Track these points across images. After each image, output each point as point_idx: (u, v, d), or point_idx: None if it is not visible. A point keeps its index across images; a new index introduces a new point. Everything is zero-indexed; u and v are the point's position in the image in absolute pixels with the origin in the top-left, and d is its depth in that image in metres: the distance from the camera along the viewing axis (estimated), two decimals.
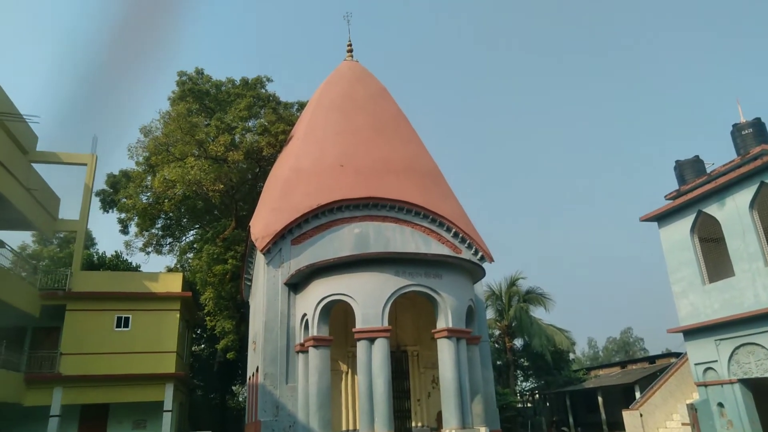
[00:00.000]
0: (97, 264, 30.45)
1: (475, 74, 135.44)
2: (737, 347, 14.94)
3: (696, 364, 16.18)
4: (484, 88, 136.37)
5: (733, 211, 15.20)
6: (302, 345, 15.71)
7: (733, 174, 15.05)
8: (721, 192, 15.56)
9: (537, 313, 30.90)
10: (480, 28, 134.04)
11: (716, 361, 15.48)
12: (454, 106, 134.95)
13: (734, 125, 20.06)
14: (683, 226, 16.78)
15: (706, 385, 15.84)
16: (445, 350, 14.68)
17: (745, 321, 14.52)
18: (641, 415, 17.43)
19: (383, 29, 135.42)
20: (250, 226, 19.86)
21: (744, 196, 14.92)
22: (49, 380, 21.82)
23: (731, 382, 15.04)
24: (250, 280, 22.56)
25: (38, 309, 22.40)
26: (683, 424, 15.89)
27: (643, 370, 26.38)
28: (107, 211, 28.00)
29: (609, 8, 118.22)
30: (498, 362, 31.75)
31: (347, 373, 17.26)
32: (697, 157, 21.49)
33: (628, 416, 17.86)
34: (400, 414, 16.90)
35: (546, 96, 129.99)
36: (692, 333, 16.25)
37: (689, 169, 20.73)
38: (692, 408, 15.53)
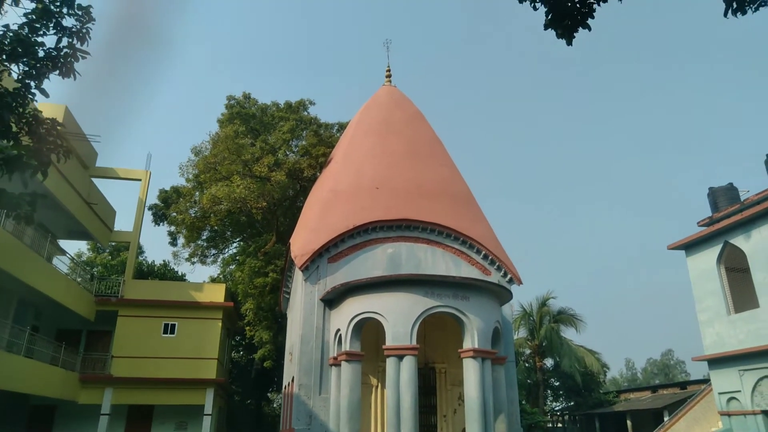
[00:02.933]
0: (146, 272, 32.34)
1: (508, 95, 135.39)
2: (761, 378, 15.11)
3: (720, 393, 16.38)
4: (516, 109, 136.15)
5: (759, 243, 15.44)
6: (335, 359, 16.65)
7: (759, 207, 15.32)
8: (747, 224, 15.82)
9: (568, 333, 31.10)
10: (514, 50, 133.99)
11: (740, 391, 15.67)
12: (488, 127, 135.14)
13: (767, 155, 20.14)
14: (710, 255, 17.05)
15: (729, 415, 16.02)
16: (471, 370, 15.35)
17: None
18: None
19: (422, 52, 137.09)
20: (290, 243, 21.03)
21: None
22: (101, 381, 23.47)
23: (754, 413, 15.20)
24: (289, 293, 23.71)
25: (93, 314, 24.19)
26: None
27: (673, 396, 26.25)
28: (158, 224, 29.88)
29: (648, 33, 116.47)
30: (528, 381, 32.01)
31: (377, 387, 18.11)
32: (731, 184, 21.57)
33: None
34: (426, 429, 17.61)
35: (585, 119, 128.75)
36: (717, 362, 16.46)
37: (723, 196, 20.83)
38: None
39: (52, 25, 6.85)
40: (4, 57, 6.77)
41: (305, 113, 27.91)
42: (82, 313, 23.10)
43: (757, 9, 6.39)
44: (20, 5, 6.65)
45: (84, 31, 6.85)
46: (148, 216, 29.44)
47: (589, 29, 5.82)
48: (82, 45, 6.94)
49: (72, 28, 6.86)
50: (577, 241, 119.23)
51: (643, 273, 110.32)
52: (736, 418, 15.83)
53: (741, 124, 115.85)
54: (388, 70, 25.63)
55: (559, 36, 5.82)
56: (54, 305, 21.64)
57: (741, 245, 16.00)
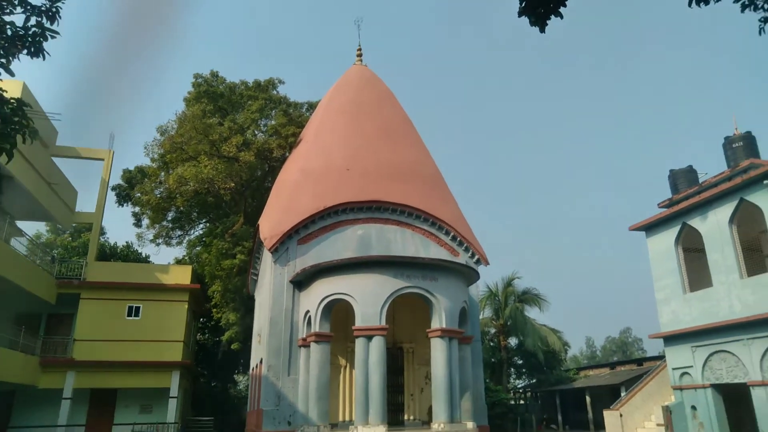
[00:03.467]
0: (108, 254, 31.61)
1: (477, 79, 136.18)
2: (711, 354, 15.91)
3: (673, 369, 17.19)
4: (485, 91, 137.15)
5: (714, 225, 16.12)
6: (304, 340, 16.76)
7: (716, 190, 15.97)
8: (704, 206, 16.47)
9: (532, 313, 31.96)
10: (490, 36, 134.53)
11: (692, 366, 16.47)
12: (457, 108, 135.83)
13: (726, 138, 20.87)
14: (668, 237, 17.72)
15: (681, 389, 16.85)
16: (438, 349, 15.68)
17: (719, 330, 15.49)
18: (621, 416, 18.44)
19: (394, 33, 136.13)
20: (258, 225, 20.89)
21: (725, 212, 15.83)
22: (63, 364, 22.99)
23: (704, 387, 16.03)
24: (257, 275, 23.61)
25: (54, 296, 23.58)
26: (658, 424, 16.87)
27: (630, 372, 27.39)
28: (122, 205, 29.18)
29: (615, 22, 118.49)
30: (492, 360, 32.83)
31: (345, 367, 18.34)
32: (691, 167, 22.35)
33: (609, 416, 18.88)
34: (394, 407, 17.95)
35: (550, 101, 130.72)
36: (672, 339, 17.24)
37: (682, 178, 21.58)
38: (667, 410, 16.54)
39: (18, 2, 6.59)
40: None
41: (274, 92, 27.50)
42: (42, 296, 22.48)
43: (718, 0, 6.64)
44: None
45: (54, 9, 6.60)
46: (111, 196, 28.72)
47: (561, 17, 5.95)
48: (51, 24, 6.70)
49: (41, 6, 6.61)
50: (542, 222, 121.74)
51: (605, 253, 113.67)
52: (688, 392, 16.64)
53: (706, 108, 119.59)
54: (359, 50, 25.47)
55: (532, 23, 5.94)
56: (12, 288, 20.92)
57: (698, 227, 16.67)
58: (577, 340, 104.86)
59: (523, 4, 5.92)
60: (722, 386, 15.87)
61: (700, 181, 20.48)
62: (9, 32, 7.16)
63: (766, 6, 7.20)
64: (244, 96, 26.82)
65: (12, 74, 8.47)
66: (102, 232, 35.35)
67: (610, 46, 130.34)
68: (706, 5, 6.62)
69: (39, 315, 24.68)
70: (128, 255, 32.82)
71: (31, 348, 22.44)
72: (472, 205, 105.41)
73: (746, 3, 7.31)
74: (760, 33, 7.27)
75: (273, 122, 26.19)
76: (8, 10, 7.18)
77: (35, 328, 23.98)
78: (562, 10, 6.01)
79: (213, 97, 25.94)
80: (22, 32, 7.15)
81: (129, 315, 24.33)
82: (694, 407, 16.42)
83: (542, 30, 6.10)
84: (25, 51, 7.33)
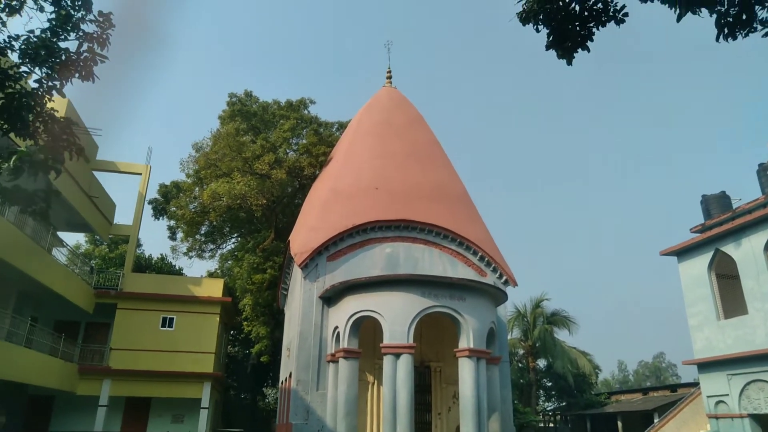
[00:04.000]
0: (144, 266, 32.56)
1: (508, 99, 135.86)
2: (748, 383, 15.51)
3: (708, 396, 16.78)
4: (515, 113, 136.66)
5: (748, 252, 15.82)
6: (333, 355, 16.97)
7: (750, 216, 15.70)
8: (737, 233, 16.20)
9: (561, 335, 31.52)
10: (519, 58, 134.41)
11: (728, 395, 16.07)
12: (488, 129, 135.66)
13: (760, 165, 20.52)
14: (701, 262, 17.43)
15: (717, 418, 16.43)
16: (466, 369, 15.70)
17: (756, 358, 15.11)
18: None
19: (423, 53, 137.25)
20: (289, 241, 21.32)
21: (759, 238, 15.54)
22: (100, 372, 23.71)
23: (741, 417, 15.60)
24: (287, 290, 24.01)
25: (93, 306, 24.42)
26: None
27: (663, 398, 26.70)
28: (158, 218, 30.11)
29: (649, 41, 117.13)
30: (521, 381, 32.44)
31: (373, 383, 18.45)
32: (724, 192, 21.97)
33: None
34: (421, 426, 17.96)
35: (582, 122, 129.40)
36: (706, 366, 16.86)
37: (715, 204, 21.24)
38: None
39: (72, 29, 7.11)
40: (27, 60, 7.03)
41: (306, 112, 28.19)
42: (81, 305, 23.32)
43: (746, 35, 6.71)
44: (44, 12, 6.91)
45: (104, 36, 7.11)
46: (147, 210, 29.68)
47: (588, 51, 6.13)
48: (101, 50, 7.20)
49: (93, 33, 7.12)
50: (575, 245, 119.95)
51: (639, 277, 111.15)
52: (724, 421, 16.23)
53: (740, 133, 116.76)
54: (389, 72, 25.93)
55: (559, 57, 6.13)
56: (53, 296, 21.83)
57: (731, 253, 16.38)
58: (608, 364, 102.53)
59: (551, 39, 6.11)
60: (761, 417, 15.44)
61: (734, 206, 20.12)
62: (63, 57, 7.68)
63: None
64: (277, 115, 27.54)
65: (63, 96, 9.05)
66: (138, 244, 36.49)
67: (645, 64, 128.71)
68: (734, 40, 6.68)
69: (78, 323, 25.56)
70: (162, 267, 33.74)
71: (70, 355, 23.23)
72: (500, 226, 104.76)
73: None
74: None
75: (304, 141, 26.85)
76: (63, 36, 7.71)
77: (74, 336, 24.83)
78: (589, 44, 6.18)
79: (246, 115, 26.71)
80: (74, 57, 7.66)
81: (163, 326, 24.97)
82: None
83: (569, 63, 6.28)
84: (77, 75, 7.83)
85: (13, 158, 6.17)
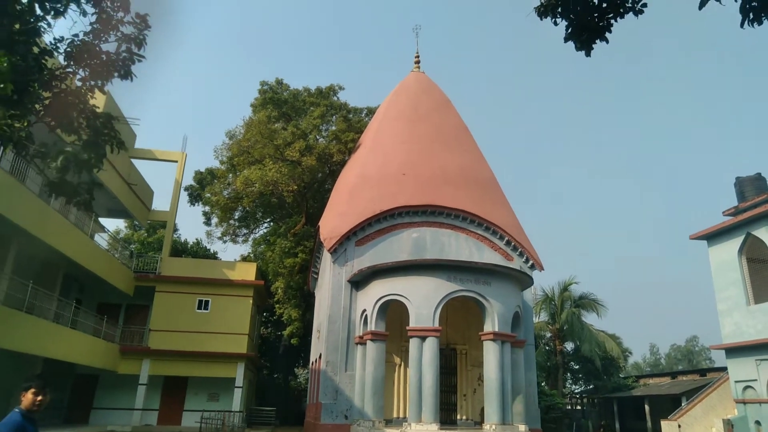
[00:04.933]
0: (180, 250, 33.65)
1: (540, 81, 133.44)
2: None
3: (736, 381, 16.73)
4: (547, 95, 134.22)
5: None
6: (361, 338, 17.48)
7: None
8: None
9: (589, 318, 31.45)
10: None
11: (756, 380, 15.99)
12: (517, 113, 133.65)
13: None
14: (732, 246, 17.25)
15: (744, 403, 16.39)
16: (491, 352, 16.01)
17: None
18: (679, 426, 18.08)
19: (452, 38, 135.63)
20: (319, 226, 21.83)
21: None
22: (140, 353, 24.80)
23: None
24: (317, 274, 24.60)
25: (132, 289, 25.48)
26: None
27: (692, 382, 26.51)
28: (193, 205, 31.07)
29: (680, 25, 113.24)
30: (548, 364, 32.55)
31: (400, 365, 18.93)
32: (759, 174, 21.52)
33: (667, 426, 18.54)
34: (447, 407, 18.39)
35: (618, 110, 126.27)
36: (734, 351, 16.78)
37: (749, 186, 20.84)
38: (729, 423, 16.15)
39: (111, 31, 7.57)
40: (72, 62, 7.53)
41: (335, 98, 28.55)
42: (122, 288, 24.38)
43: None
44: (87, 15, 7.37)
45: (141, 37, 7.55)
46: (183, 196, 30.61)
47: (607, 42, 6.26)
48: (138, 50, 7.65)
49: (131, 34, 7.58)
50: (608, 226, 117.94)
51: (673, 259, 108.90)
52: (751, 406, 16.19)
53: None
54: (417, 56, 25.99)
55: (578, 48, 6.28)
56: (96, 280, 22.88)
57: (763, 237, 16.17)
58: (640, 347, 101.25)
59: (569, 30, 6.26)
60: None
61: None
62: (104, 58, 8.17)
63: None
64: (307, 102, 27.98)
65: (104, 93, 9.57)
66: (174, 229, 37.69)
67: (679, 46, 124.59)
68: (759, 25, 6.70)
69: (119, 306, 26.69)
70: (197, 251, 34.82)
71: (111, 336, 24.35)
72: (529, 209, 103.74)
73: None
74: None
75: (333, 128, 27.27)
76: (104, 38, 8.18)
77: (115, 318, 25.98)
78: (608, 34, 6.31)
79: (277, 103, 27.21)
80: (114, 57, 8.14)
81: (199, 308, 25.89)
82: (758, 422, 15.95)
83: (588, 54, 6.41)
84: (116, 74, 8.32)
85: (60, 158, 6.68)
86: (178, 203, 28.04)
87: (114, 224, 35.76)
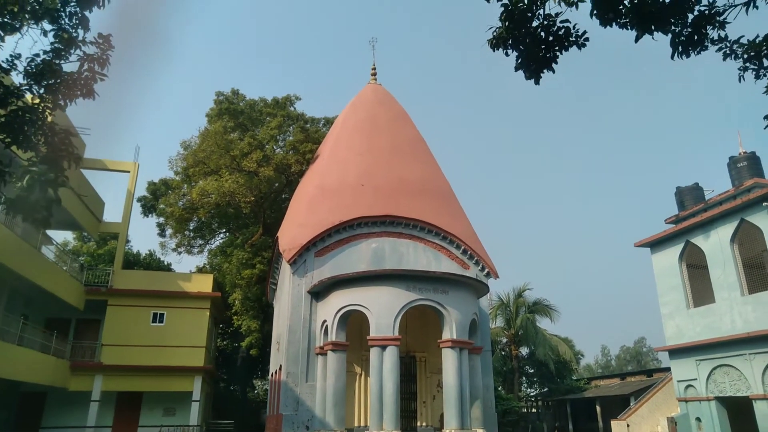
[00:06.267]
0: (132, 262, 32.82)
1: (487, 94, 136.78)
2: (715, 368, 16.44)
3: (678, 381, 17.71)
4: (495, 107, 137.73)
5: (716, 243, 16.68)
6: (321, 348, 17.58)
7: (717, 210, 16.54)
8: (706, 225, 17.04)
9: (543, 323, 32.48)
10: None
11: (696, 379, 16.99)
12: (470, 124, 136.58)
13: (731, 158, 21.40)
14: (672, 253, 18.29)
15: (686, 401, 17.36)
16: (449, 359, 16.41)
17: (722, 345, 16.02)
18: (628, 426, 18.98)
19: (407, 49, 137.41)
20: (277, 237, 21.82)
21: (726, 231, 16.39)
22: (91, 368, 24.09)
23: (708, 399, 16.54)
24: (276, 285, 24.52)
25: (83, 303, 24.74)
26: None
27: (640, 383, 27.76)
28: (147, 216, 30.40)
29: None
30: (504, 368, 33.38)
31: (361, 375, 19.12)
32: (697, 184, 22.84)
33: (616, 426, 19.42)
34: (407, 414, 18.68)
35: (560, 120, 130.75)
36: (676, 352, 17.77)
37: (688, 195, 22.10)
38: (672, 421, 17.08)
39: (74, 50, 7.55)
40: (31, 80, 7.47)
41: (292, 109, 28.59)
42: (71, 302, 23.63)
43: (698, 53, 7.36)
44: (47, 35, 7.33)
45: (104, 57, 7.55)
46: (136, 207, 29.93)
47: (553, 71, 6.74)
48: (102, 70, 7.65)
49: (93, 54, 7.57)
50: (563, 237, 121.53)
51: (623, 264, 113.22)
52: (693, 404, 17.16)
53: (721, 125, 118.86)
54: (374, 69, 26.35)
55: (527, 78, 6.73)
56: (44, 294, 22.12)
57: (701, 244, 17.22)
58: (592, 349, 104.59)
59: (519, 61, 6.70)
60: (726, 399, 16.37)
61: (706, 198, 20.97)
62: (65, 77, 8.12)
63: (745, 56, 7.89)
64: (264, 113, 27.94)
65: (63, 110, 9.47)
66: (126, 241, 36.72)
67: (628, 60, 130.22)
68: (687, 57, 7.33)
69: (68, 320, 25.85)
70: (151, 263, 34.04)
71: (61, 352, 23.56)
72: (484, 218, 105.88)
73: (728, 52, 8.02)
74: (740, 80, 7.96)
75: (291, 138, 27.30)
76: (65, 58, 8.14)
77: (65, 332, 25.13)
78: (554, 65, 6.79)
79: (234, 113, 27.05)
80: (76, 76, 8.10)
81: (154, 321, 25.38)
82: (698, 419, 16.92)
83: (537, 83, 6.88)
84: (78, 93, 8.27)
85: (26, 178, 6.64)
86: (130, 214, 27.44)
87: (62, 236, 34.50)
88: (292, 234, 19.99)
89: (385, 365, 15.92)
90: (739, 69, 7.97)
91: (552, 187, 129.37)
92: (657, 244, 18.82)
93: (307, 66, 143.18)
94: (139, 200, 29.86)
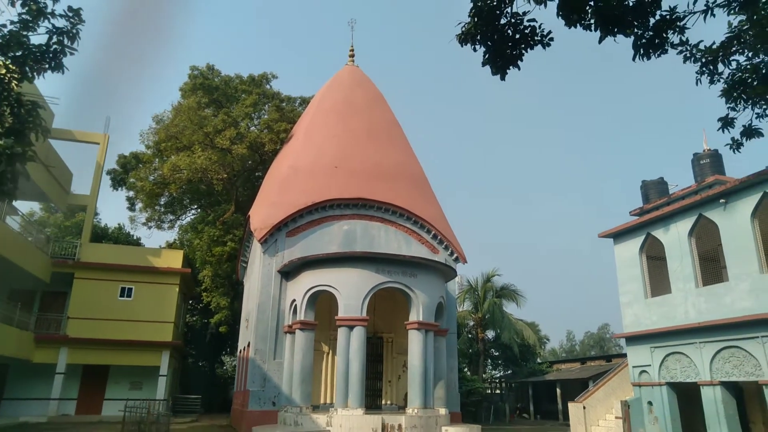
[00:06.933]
0: (100, 235, 32.38)
1: (462, 84, 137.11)
2: (667, 355, 17.15)
3: (633, 367, 18.43)
4: (469, 97, 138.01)
5: (675, 237, 17.29)
6: (290, 327, 17.81)
7: (677, 205, 17.12)
8: (667, 219, 17.61)
9: (509, 308, 33.25)
10: None
11: (650, 365, 17.72)
12: (445, 112, 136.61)
13: (695, 154, 22.08)
14: (634, 245, 18.87)
15: (640, 386, 18.11)
16: (415, 340, 16.81)
17: (676, 333, 16.70)
18: (584, 408, 19.71)
19: (386, 32, 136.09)
20: (249, 216, 21.83)
21: (685, 224, 16.98)
22: (56, 341, 23.90)
23: (660, 385, 17.28)
24: (246, 263, 24.58)
25: (49, 275, 24.39)
26: (617, 417, 18.10)
27: (599, 367, 28.76)
28: (117, 189, 29.95)
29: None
30: (470, 351, 34.15)
31: (328, 353, 19.45)
32: (662, 178, 23.54)
33: (573, 408, 20.15)
34: (372, 393, 19.14)
35: (533, 110, 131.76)
36: (633, 339, 18.47)
37: (653, 189, 22.79)
38: (626, 404, 17.82)
39: (44, 24, 7.47)
40: None
41: (268, 87, 28.33)
42: (37, 274, 23.29)
43: (659, 56, 7.66)
44: (16, 7, 7.23)
45: (74, 31, 7.49)
46: (105, 180, 29.46)
47: (519, 68, 6.95)
48: (72, 44, 7.58)
49: (63, 28, 7.49)
50: (534, 225, 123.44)
51: (593, 252, 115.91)
52: (645, 389, 17.92)
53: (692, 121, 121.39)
54: (352, 50, 26.26)
55: (494, 73, 6.93)
56: (8, 265, 21.71)
57: (660, 237, 17.81)
58: (558, 334, 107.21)
59: (486, 57, 6.90)
60: (676, 384, 17.11)
61: (670, 192, 21.67)
62: (34, 50, 8.03)
63: (703, 59, 8.24)
64: (239, 90, 27.64)
65: (31, 82, 9.34)
66: (95, 214, 36.14)
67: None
68: (648, 60, 7.62)
69: (33, 292, 25.51)
70: (119, 237, 33.63)
71: (25, 324, 23.29)
72: (456, 205, 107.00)
73: (687, 56, 8.35)
74: (697, 83, 8.32)
75: (266, 117, 27.10)
76: (33, 29, 8.03)
77: (30, 305, 24.83)
78: (520, 62, 7.00)
79: (208, 89, 26.69)
80: (44, 48, 8.01)
81: (121, 296, 25.23)
82: (650, 403, 17.68)
83: (503, 78, 7.09)
84: (47, 66, 8.19)
85: None
86: (99, 187, 27.00)
87: (28, 206, 33.78)
88: (264, 213, 20.04)
89: (353, 345, 16.24)
90: (696, 72, 8.34)
91: (523, 177, 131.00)
92: (620, 235, 19.38)
93: (284, 44, 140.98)
94: (108, 173, 29.38)
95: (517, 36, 6.71)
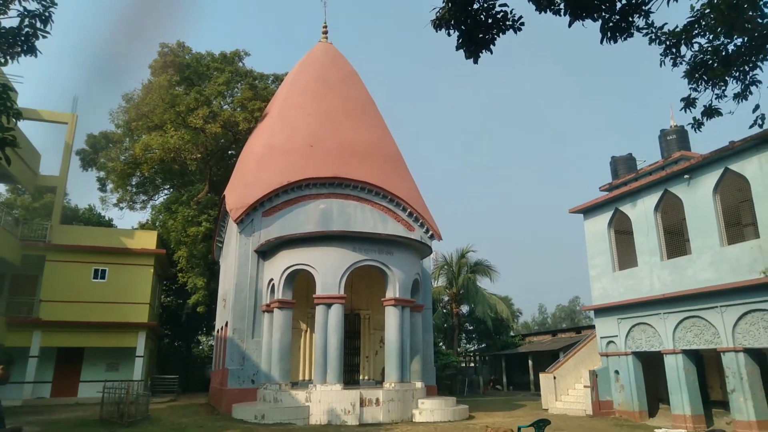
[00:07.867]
0: (70, 217, 31.82)
1: (439, 62, 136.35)
2: (633, 326, 17.90)
3: (601, 338, 19.19)
4: (447, 76, 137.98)
5: (641, 212, 17.90)
6: (268, 306, 17.99)
7: (644, 180, 17.68)
8: (634, 194, 18.20)
9: (483, 283, 33.99)
10: None
11: (617, 336, 18.47)
12: (420, 90, 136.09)
13: (661, 131, 22.68)
14: (603, 220, 19.48)
15: (607, 356, 18.90)
16: (391, 316, 17.18)
17: (641, 305, 17.43)
18: (555, 378, 20.48)
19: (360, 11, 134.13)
20: (224, 195, 21.74)
21: (651, 200, 17.58)
22: (29, 324, 23.60)
23: (626, 354, 18.07)
24: (222, 243, 24.53)
25: (19, 258, 23.97)
26: (585, 386, 18.90)
27: (569, 339, 29.77)
28: (86, 170, 29.35)
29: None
30: (445, 325, 34.89)
31: (306, 331, 19.72)
32: (630, 154, 24.17)
33: (544, 378, 20.91)
34: (350, 368, 19.52)
35: (509, 86, 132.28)
36: (601, 311, 19.19)
37: (622, 165, 23.40)
38: (594, 374, 18.60)
39: (14, 6, 7.34)
40: None
41: (240, 65, 27.94)
42: (6, 257, 22.87)
43: (625, 39, 7.93)
44: None
45: (47, 14, 7.37)
46: (75, 160, 28.85)
47: (491, 53, 7.14)
48: (44, 27, 7.47)
49: (35, 10, 7.37)
50: (509, 201, 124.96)
51: (564, 228, 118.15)
52: (612, 358, 18.71)
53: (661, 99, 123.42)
54: (325, 27, 26.00)
55: (467, 57, 7.11)
56: None
57: (628, 212, 18.42)
58: (531, 308, 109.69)
59: (460, 41, 7.07)
60: (641, 354, 17.91)
61: (638, 167, 22.28)
62: (7, 35, 7.88)
63: (668, 42, 8.55)
64: (211, 67, 27.17)
65: (4, 65, 9.17)
66: (64, 194, 35.41)
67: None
68: (615, 43, 7.89)
69: (3, 276, 25.03)
70: (90, 218, 33.10)
71: None
72: (430, 181, 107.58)
73: (653, 38, 8.65)
74: (661, 65, 8.64)
75: (239, 95, 26.76)
76: (4, 11, 7.87)
77: None
78: (492, 46, 7.19)
79: (179, 67, 26.18)
80: (16, 32, 7.87)
81: (95, 277, 24.97)
82: (617, 371, 18.49)
83: (475, 62, 7.28)
84: (19, 50, 8.06)
85: None
86: (68, 168, 26.47)
87: None
88: (239, 193, 20.01)
89: (330, 322, 16.52)
90: (660, 54, 8.65)
91: (498, 153, 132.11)
92: (589, 210, 19.95)
93: (256, 21, 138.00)
94: (77, 153, 28.79)
95: (490, 21, 6.88)
